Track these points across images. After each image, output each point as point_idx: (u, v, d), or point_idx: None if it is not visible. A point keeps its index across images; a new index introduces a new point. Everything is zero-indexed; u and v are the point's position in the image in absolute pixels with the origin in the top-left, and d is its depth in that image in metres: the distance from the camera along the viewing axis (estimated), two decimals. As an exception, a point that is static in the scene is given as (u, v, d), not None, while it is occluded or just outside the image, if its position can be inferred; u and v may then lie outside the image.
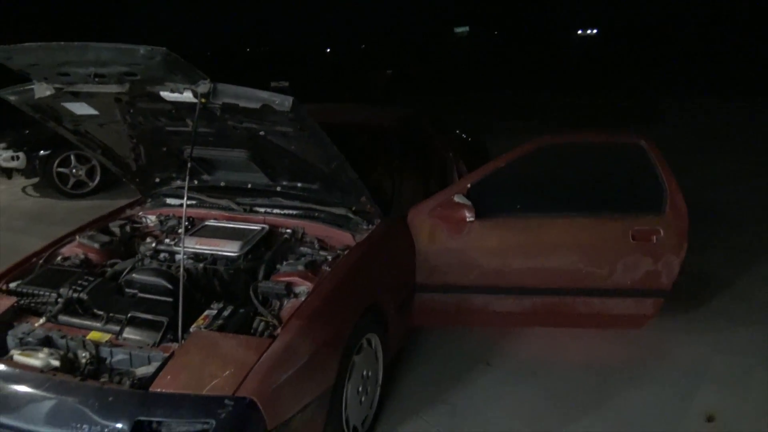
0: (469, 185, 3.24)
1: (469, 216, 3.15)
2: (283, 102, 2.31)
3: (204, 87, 2.30)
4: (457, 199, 3.19)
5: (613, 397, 3.13)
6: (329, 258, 2.85)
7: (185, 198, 2.49)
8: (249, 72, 21.49)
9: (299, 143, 2.72)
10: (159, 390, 2.08)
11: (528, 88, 19.07)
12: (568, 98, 16.00)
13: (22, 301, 2.64)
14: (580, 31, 76.17)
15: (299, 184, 3.22)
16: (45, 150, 7.00)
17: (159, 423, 2.03)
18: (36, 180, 7.50)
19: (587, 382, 3.25)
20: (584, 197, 3.28)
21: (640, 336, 3.60)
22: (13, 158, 7.01)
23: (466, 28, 72.82)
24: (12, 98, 2.72)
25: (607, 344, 3.61)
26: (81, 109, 2.75)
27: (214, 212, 3.29)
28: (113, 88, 2.43)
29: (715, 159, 8.54)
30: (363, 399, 2.76)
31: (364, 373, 2.76)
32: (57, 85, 2.51)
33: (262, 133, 2.70)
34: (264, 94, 2.33)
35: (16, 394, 2.16)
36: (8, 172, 7.24)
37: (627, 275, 3.20)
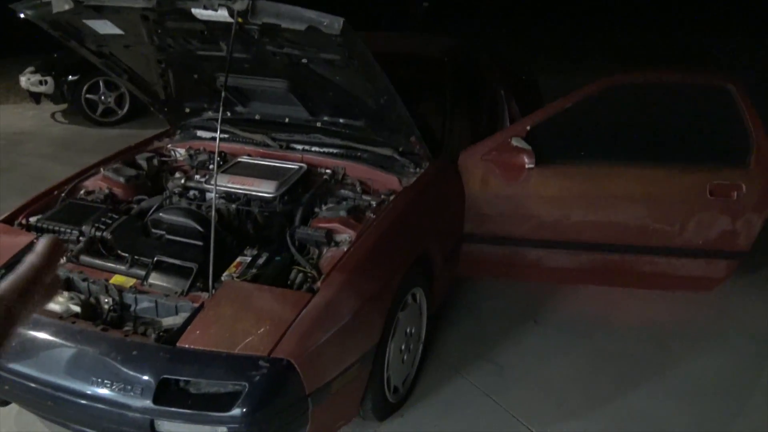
0: (528, 128, 2.91)
1: (528, 162, 2.84)
2: (332, 23, 1.98)
3: (241, 4, 1.98)
4: (516, 142, 2.87)
5: (673, 363, 2.88)
6: (373, 204, 2.58)
7: (218, 132, 2.22)
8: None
9: (346, 74, 2.41)
10: (187, 346, 1.88)
11: (579, 24, 18.11)
12: (619, 38, 15.14)
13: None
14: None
15: (342, 120, 2.91)
16: (73, 75, 6.71)
17: (187, 382, 1.85)
18: (65, 106, 7.29)
19: (645, 346, 3.01)
20: (657, 145, 2.94)
21: (704, 296, 3.29)
22: (41, 82, 6.76)
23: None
24: (28, 13, 2.43)
25: (666, 304, 3.33)
26: (104, 27, 2.46)
27: (247, 148, 3.02)
28: (139, 3, 2.13)
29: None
30: (405, 357, 2.56)
31: (408, 330, 2.55)
32: None
33: (304, 60, 2.39)
34: (311, 14, 1.99)
35: (34, 341, 1.98)
36: (36, 97, 7.03)
37: (700, 234, 2.90)
